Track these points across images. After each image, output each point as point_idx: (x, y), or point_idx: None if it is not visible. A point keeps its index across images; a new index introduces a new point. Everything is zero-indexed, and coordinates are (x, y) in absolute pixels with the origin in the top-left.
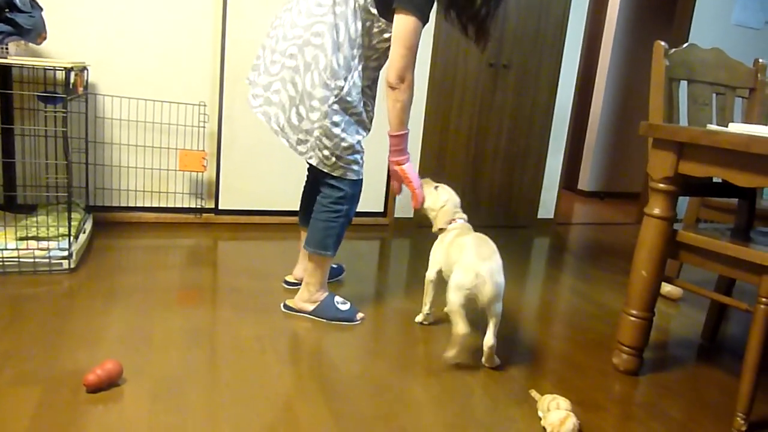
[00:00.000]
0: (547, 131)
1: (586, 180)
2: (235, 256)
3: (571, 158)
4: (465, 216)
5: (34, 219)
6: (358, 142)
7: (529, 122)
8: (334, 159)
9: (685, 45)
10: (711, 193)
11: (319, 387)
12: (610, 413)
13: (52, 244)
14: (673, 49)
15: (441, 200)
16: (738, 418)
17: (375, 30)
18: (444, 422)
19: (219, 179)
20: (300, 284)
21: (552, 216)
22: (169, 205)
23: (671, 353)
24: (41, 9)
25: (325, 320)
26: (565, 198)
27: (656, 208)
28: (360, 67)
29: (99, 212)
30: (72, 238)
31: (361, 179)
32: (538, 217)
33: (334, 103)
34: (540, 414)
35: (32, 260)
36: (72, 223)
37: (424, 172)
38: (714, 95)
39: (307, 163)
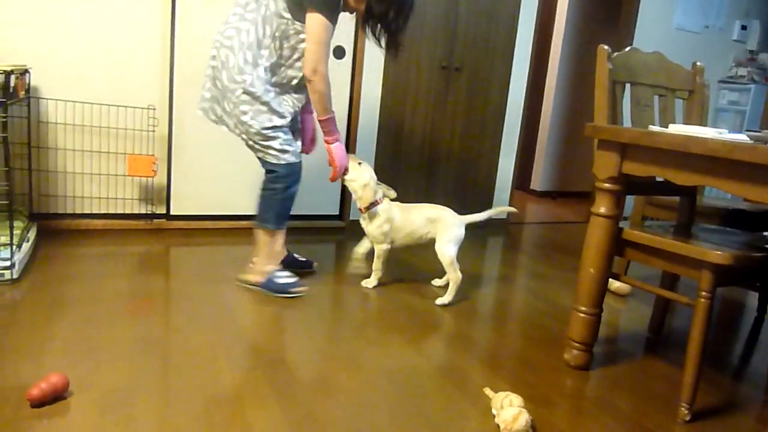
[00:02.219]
0: (499, 132)
1: (538, 180)
2: (187, 262)
3: (523, 159)
4: (390, 194)
5: None
6: (270, 128)
7: (481, 124)
8: (251, 143)
9: (627, 49)
10: (654, 192)
11: (273, 392)
12: (562, 408)
13: None
14: (616, 53)
15: (364, 178)
16: (682, 408)
17: (291, 32)
18: (399, 423)
19: (170, 184)
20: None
21: (505, 216)
22: (118, 212)
23: (620, 347)
24: None
25: (271, 293)
26: (519, 198)
27: (602, 207)
28: (268, 65)
29: (44, 220)
30: (15, 247)
31: (291, 162)
32: None
33: (242, 94)
34: (494, 411)
35: None
36: (15, 232)
37: (379, 173)
38: (656, 97)
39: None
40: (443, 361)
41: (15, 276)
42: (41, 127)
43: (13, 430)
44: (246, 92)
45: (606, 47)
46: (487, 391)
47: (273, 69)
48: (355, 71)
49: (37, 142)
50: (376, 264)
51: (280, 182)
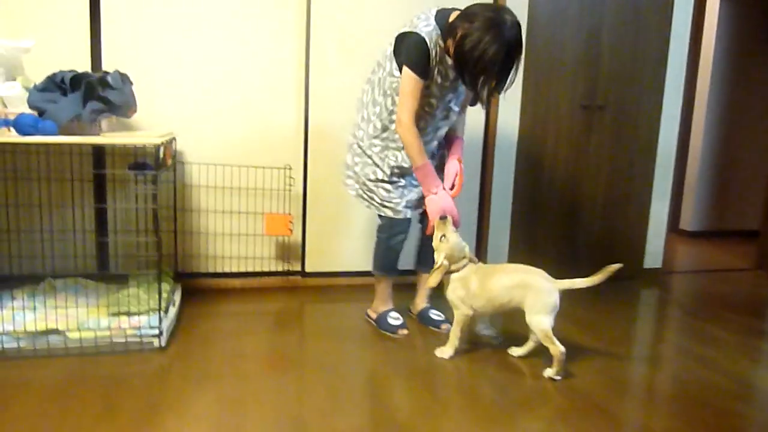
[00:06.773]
0: (650, 173)
1: (689, 219)
2: (322, 318)
3: (672, 197)
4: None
5: (126, 292)
6: (373, 180)
7: (629, 165)
8: (361, 191)
9: None
10: None
11: None
12: None
13: (143, 319)
14: None
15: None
16: None
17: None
18: None
19: (305, 241)
20: (415, 315)
21: (660, 265)
22: (256, 270)
23: None
24: (132, 83)
25: (380, 329)
26: (669, 240)
27: None
28: (379, 121)
29: (187, 279)
30: (162, 312)
31: (399, 219)
32: (644, 266)
33: (357, 147)
34: None
35: (124, 340)
36: (162, 296)
37: (516, 224)
38: None
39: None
40: None
41: (163, 344)
42: (185, 189)
43: None
44: (359, 146)
45: None
46: None
47: (384, 124)
48: (489, 111)
49: (181, 204)
50: (454, 330)
51: (383, 232)
